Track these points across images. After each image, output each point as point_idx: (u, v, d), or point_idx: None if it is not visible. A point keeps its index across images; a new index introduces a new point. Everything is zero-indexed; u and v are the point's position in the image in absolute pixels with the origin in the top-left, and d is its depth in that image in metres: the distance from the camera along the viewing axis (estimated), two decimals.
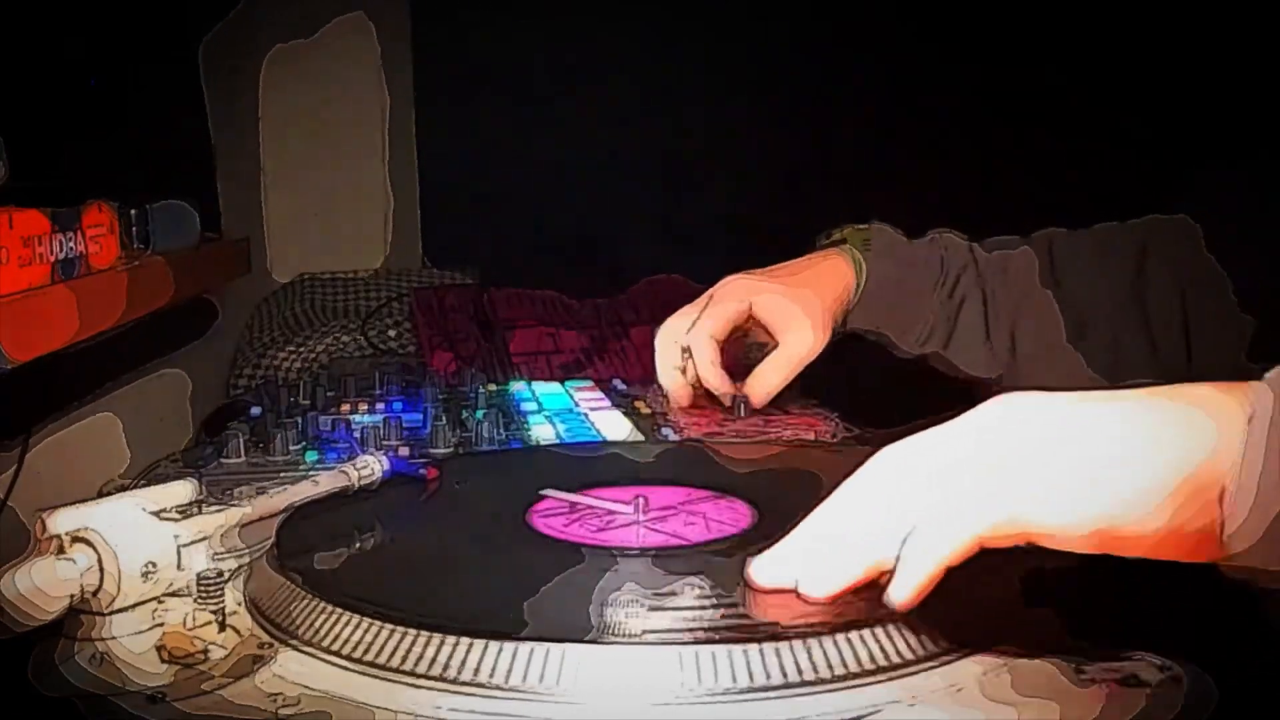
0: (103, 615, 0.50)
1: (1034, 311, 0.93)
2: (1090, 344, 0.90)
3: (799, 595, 0.48)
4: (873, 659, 0.45)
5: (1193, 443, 0.42)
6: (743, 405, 0.95)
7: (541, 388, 1.08)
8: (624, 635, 0.46)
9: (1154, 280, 0.89)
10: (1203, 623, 0.47)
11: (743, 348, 0.99)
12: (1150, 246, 0.90)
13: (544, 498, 0.65)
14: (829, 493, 0.50)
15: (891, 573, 0.45)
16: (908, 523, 0.45)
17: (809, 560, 0.49)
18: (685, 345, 0.95)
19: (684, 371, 0.96)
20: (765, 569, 0.50)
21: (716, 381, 0.94)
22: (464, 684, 0.44)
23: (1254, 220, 0.80)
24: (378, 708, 0.44)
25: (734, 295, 0.95)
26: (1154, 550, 0.43)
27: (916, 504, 0.46)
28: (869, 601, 0.46)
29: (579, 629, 0.46)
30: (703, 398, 0.98)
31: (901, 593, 0.44)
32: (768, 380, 0.94)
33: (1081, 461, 0.43)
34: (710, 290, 0.96)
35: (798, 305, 0.93)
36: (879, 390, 0.98)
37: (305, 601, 0.51)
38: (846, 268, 0.95)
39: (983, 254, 0.97)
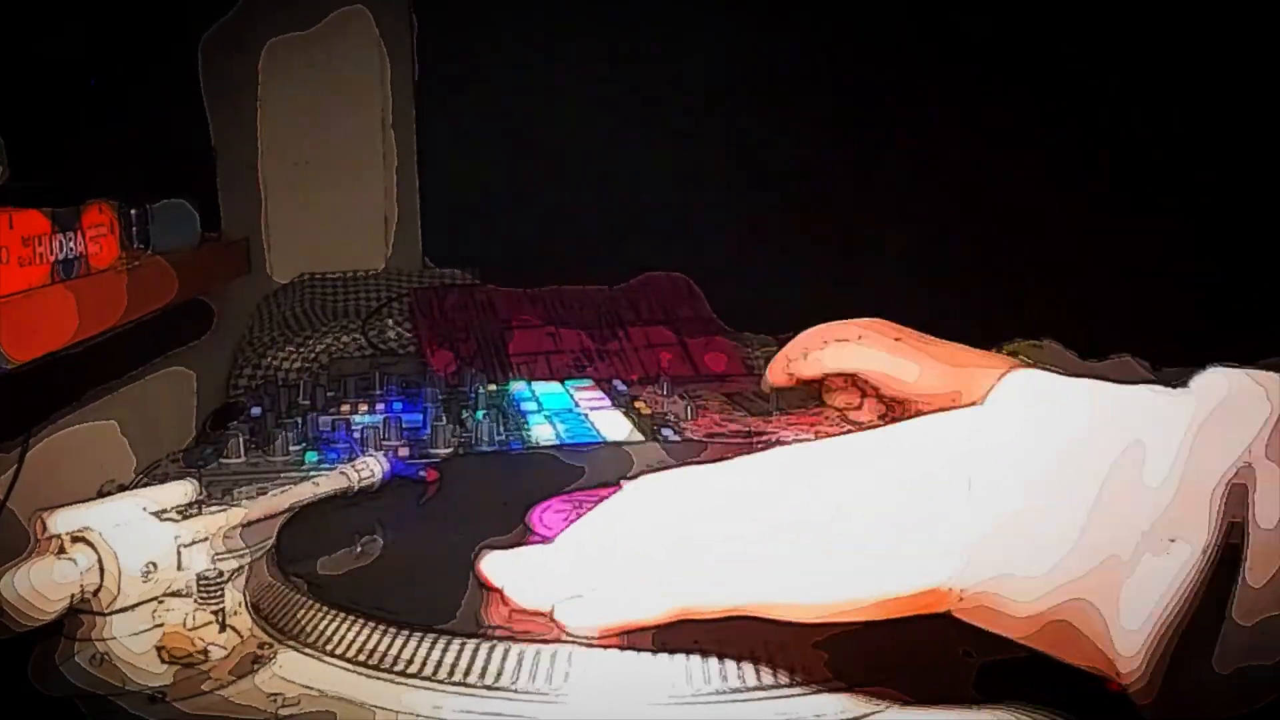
0: (103, 615, 0.50)
1: None
2: None
3: (503, 598, 0.49)
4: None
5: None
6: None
7: (541, 388, 1.09)
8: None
9: None
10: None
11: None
12: None
13: (545, 498, 0.65)
14: None
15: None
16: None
17: (526, 569, 0.50)
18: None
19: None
20: (488, 563, 0.51)
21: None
22: (464, 684, 0.44)
23: None
24: (378, 708, 0.44)
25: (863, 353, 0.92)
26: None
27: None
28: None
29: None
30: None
31: (577, 623, 0.45)
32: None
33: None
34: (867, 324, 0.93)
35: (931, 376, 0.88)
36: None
37: (305, 602, 0.51)
38: None
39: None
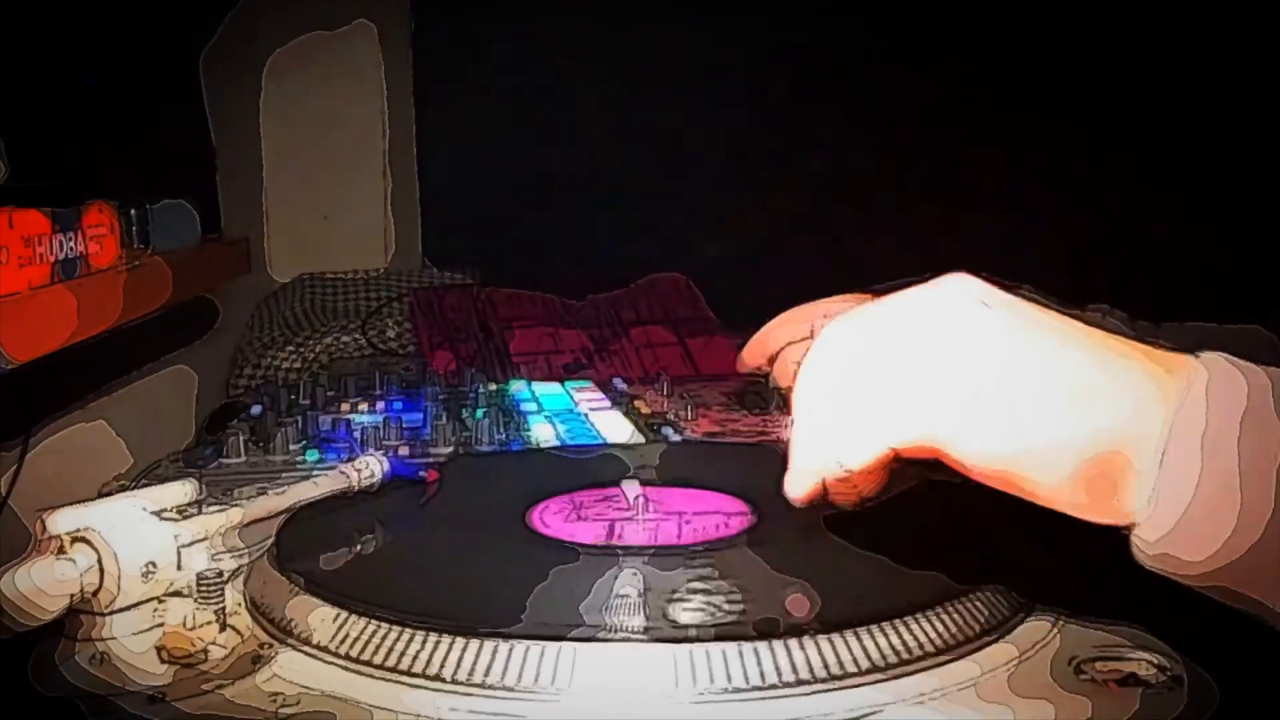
0: (103, 615, 0.50)
1: None
2: None
3: (841, 475, 0.48)
4: (870, 659, 0.45)
5: (1121, 418, 0.42)
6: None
7: (541, 388, 1.08)
8: (624, 635, 0.46)
9: None
10: (1205, 621, 0.46)
11: None
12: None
13: (544, 498, 0.65)
14: None
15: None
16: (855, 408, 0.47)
17: (827, 444, 0.49)
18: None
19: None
20: (795, 480, 0.50)
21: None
22: (464, 684, 0.44)
23: None
24: (378, 708, 0.44)
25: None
26: (1050, 502, 0.44)
27: (860, 390, 0.47)
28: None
29: (578, 629, 0.46)
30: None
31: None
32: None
33: (1013, 398, 0.44)
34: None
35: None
36: None
37: (305, 602, 0.51)
38: None
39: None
